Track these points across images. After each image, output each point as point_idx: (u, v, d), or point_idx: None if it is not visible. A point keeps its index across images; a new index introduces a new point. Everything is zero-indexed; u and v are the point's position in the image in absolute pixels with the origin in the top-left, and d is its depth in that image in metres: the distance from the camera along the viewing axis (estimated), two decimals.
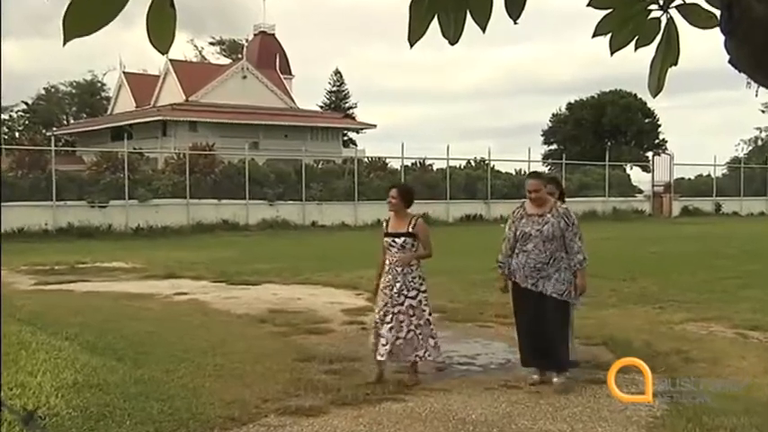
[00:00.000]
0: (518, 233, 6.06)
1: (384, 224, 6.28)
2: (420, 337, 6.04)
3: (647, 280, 12.32)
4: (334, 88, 63.83)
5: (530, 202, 6.11)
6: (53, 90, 58.24)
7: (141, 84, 49.40)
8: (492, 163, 36.38)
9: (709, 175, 42.49)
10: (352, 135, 59.38)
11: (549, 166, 48.29)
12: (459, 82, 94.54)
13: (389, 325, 6.02)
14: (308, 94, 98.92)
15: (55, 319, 8.18)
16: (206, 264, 15.58)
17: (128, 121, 44.10)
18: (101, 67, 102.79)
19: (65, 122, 57.15)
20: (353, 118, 57.26)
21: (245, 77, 46.89)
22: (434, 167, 35.38)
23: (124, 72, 50.65)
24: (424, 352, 6.06)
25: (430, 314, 6.18)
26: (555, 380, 5.98)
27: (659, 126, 58.11)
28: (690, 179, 42.76)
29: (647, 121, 57.24)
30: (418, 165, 35.10)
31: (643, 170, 47.56)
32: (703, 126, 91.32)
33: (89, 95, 59.36)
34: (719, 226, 28.92)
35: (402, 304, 6.02)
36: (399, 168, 33.40)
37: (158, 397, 5.31)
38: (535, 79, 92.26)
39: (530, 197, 6.09)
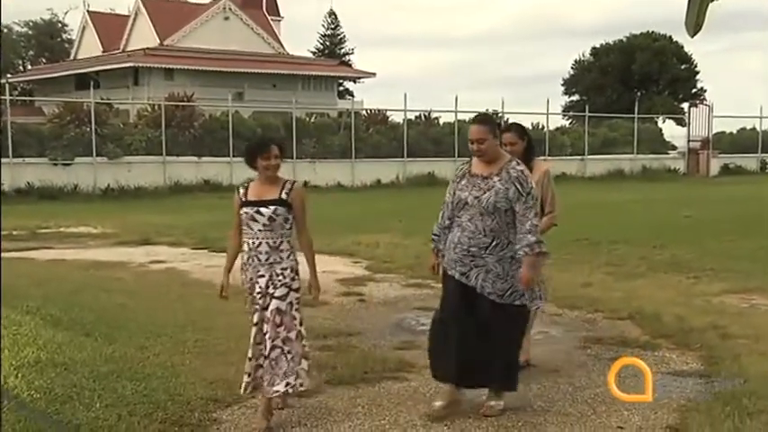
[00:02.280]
0: (455, 198, 5.00)
1: (241, 192, 4.92)
2: (290, 356, 4.68)
3: (680, 247, 12.33)
4: (329, 32, 63.41)
5: (476, 159, 5.03)
6: (6, 30, 57.72)
7: (109, 25, 49.03)
8: (506, 116, 36.15)
9: (753, 129, 42.26)
10: (348, 85, 59.15)
11: (570, 119, 48.11)
12: (468, 25, 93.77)
13: (251, 340, 4.75)
14: (299, 38, 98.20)
15: (14, 290, 8.19)
16: (185, 228, 15.59)
17: (94, 68, 43.84)
18: (61, 5, 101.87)
19: (21, 68, 56.79)
20: (350, 65, 56.87)
21: (227, 18, 46.50)
22: (441, 121, 35.22)
23: (88, 11, 50.21)
24: (296, 379, 4.69)
25: (301, 323, 4.79)
26: (491, 402, 4.93)
27: (697, 73, 57.85)
28: (731, 133, 42.58)
29: (682, 67, 56.89)
30: (423, 118, 34.92)
31: (677, 123, 47.42)
32: (748, 72, 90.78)
33: (48, 37, 58.90)
34: (765, 186, 28.87)
35: (266, 308, 4.70)
36: (401, 122, 33.22)
37: (132, 376, 5.34)
38: (555, 21, 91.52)
39: (471, 150, 4.98)
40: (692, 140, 39.92)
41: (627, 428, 4.69)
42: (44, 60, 57.30)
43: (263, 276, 4.74)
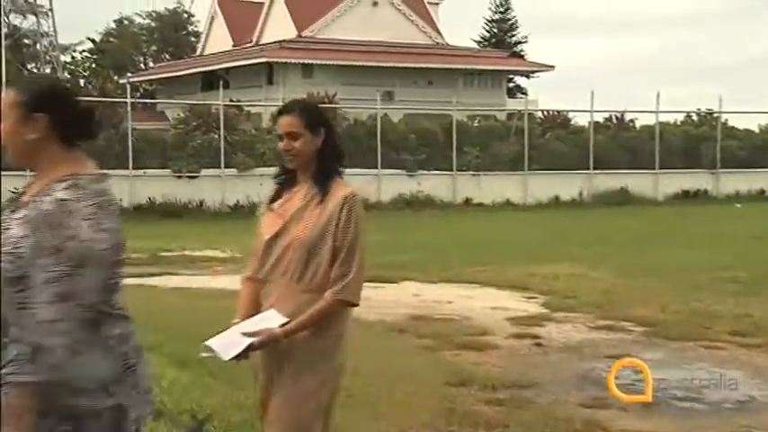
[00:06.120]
0: None
1: None
2: None
3: None
4: (497, 16, 63.49)
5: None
6: (126, 23, 61.11)
7: (240, 14, 50.97)
8: (723, 116, 34.97)
9: None
10: (520, 81, 58.90)
11: None
12: (666, 2, 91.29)
13: None
14: (461, 25, 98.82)
15: (134, 322, 8.64)
16: None
17: (223, 65, 45.64)
18: None
19: (142, 66, 59.92)
20: (522, 57, 56.67)
21: (375, 4, 47.39)
22: (637, 124, 34.58)
23: None
24: None
25: None
26: None
27: None
28: None
29: None
30: (614, 120, 34.36)
31: None
32: None
33: (172, 30, 61.88)
34: None
35: None
36: (587, 125, 32.75)
37: None
38: None
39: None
40: None
41: None
42: (167, 56, 60.10)
43: None
